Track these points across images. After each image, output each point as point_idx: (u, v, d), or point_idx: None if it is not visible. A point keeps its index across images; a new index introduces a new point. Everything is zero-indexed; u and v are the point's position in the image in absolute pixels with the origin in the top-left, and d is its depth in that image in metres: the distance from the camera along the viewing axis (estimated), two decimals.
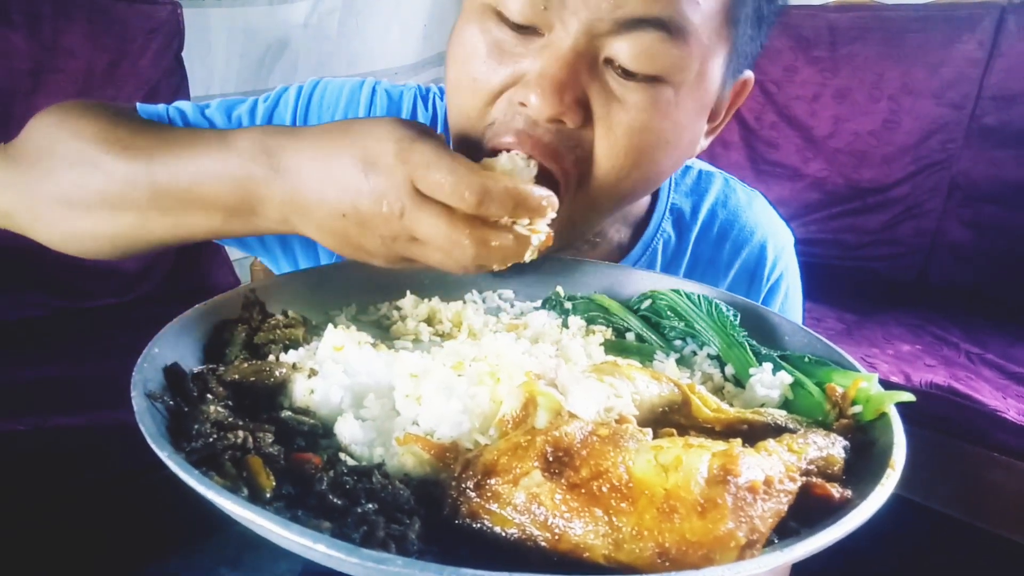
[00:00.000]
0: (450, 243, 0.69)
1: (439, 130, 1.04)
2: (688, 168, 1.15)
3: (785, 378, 0.78)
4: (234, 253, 2.79)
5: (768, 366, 0.81)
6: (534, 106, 0.77)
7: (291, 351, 0.76)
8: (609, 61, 0.79)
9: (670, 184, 1.11)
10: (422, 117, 1.09)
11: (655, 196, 1.10)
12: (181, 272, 2.45)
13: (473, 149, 0.85)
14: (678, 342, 0.91)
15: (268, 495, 0.56)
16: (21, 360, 1.91)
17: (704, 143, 0.95)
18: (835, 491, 0.60)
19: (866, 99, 3.00)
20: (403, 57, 3.35)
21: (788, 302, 1.17)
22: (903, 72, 2.92)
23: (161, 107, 1.04)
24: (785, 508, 0.52)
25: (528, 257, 0.74)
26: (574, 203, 0.86)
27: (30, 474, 1.68)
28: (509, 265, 0.74)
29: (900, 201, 2.91)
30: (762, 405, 0.78)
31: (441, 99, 1.10)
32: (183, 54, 2.55)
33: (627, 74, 0.79)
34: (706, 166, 1.18)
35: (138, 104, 1.04)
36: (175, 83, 2.53)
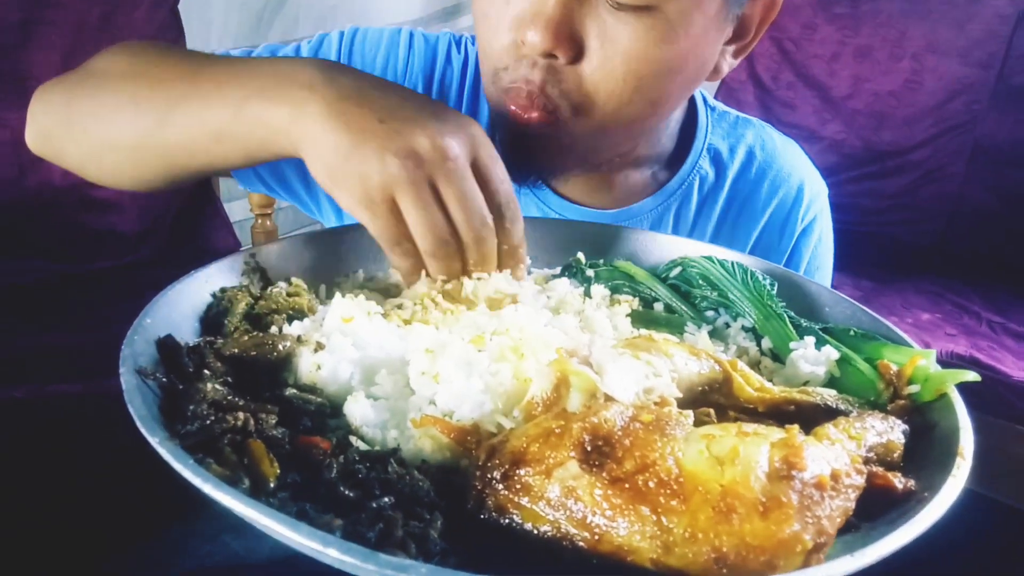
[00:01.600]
0: (464, 201, 0.70)
1: (470, 73, 1.09)
2: (725, 113, 1.16)
3: (831, 353, 0.72)
4: (234, 215, 2.72)
5: (810, 340, 0.75)
6: (529, 43, 0.81)
7: (295, 322, 0.70)
8: None
9: (707, 125, 1.13)
10: (456, 61, 1.10)
11: (691, 135, 1.11)
12: (180, 235, 2.39)
13: (497, 86, 0.90)
14: (710, 313, 0.85)
15: (272, 484, 0.50)
16: (16, 326, 1.85)
17: (732, 62, 0.97)
18: (897, 481, 0.54)
19: (888, 58, 2.88)
20: (407, 12, 3.23)
21: (821, 247, 1.17)
22: (928, 30, 2.80)
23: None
24: (853, 505, 0.46)
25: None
26: (580, 130, 0.89)
27: (28, 443, 1.64)
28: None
29: (920, 165, 2.81)
30: (806, 383, 0.72)
31: (473, 44, 1.12)
32: (179, 7, 2.45)
33: (619, 5, 0.80)
34: (742, 113, 1.19)
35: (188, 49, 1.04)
36: (171, 37, 2.42)
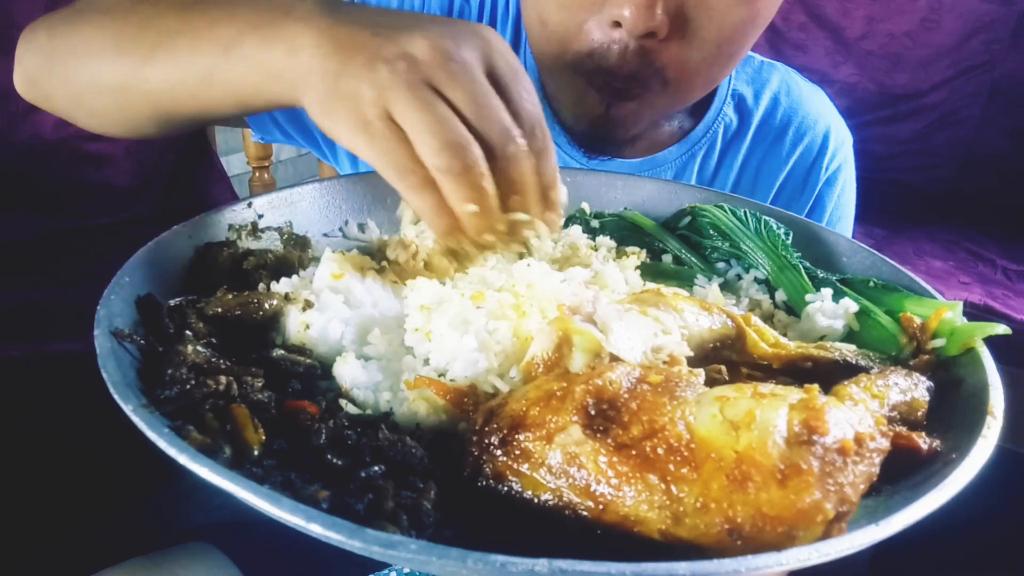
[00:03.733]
0: (476, 105, 0.55)
1: (487, 10, 1.04)
2: (749, 57, 1.12)
3: (850, 306, 0.68)
4: (232, 168, 2.67)
5: (827, 292, 0.71)
6: (628, 21, 0.77)
7: (283, 279, 0.66)
8: None
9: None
10: (500, 6, 1.05)
11: None
12: (177, 189, 2.34)
13: (564, 73, 0.85)
14: (721, 264, 0.81)
15: (257, 452, 0.47)
16: (14, 283, 1.83)
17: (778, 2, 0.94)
18: (922, 442, 0.51)
19: None
20: None
21: (844, 197, 1.14)
22: None
23: None
24: (877, 471, 0.43)
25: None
26: (662, 104, 0.88)
27: (28, 401, 1.63)
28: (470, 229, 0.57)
29: (935, 108, 2.72)
30: (822, 337, 0.68)
31: None
32: None
33: None
34: (766, 58, 1.14)
35: None
36: None
